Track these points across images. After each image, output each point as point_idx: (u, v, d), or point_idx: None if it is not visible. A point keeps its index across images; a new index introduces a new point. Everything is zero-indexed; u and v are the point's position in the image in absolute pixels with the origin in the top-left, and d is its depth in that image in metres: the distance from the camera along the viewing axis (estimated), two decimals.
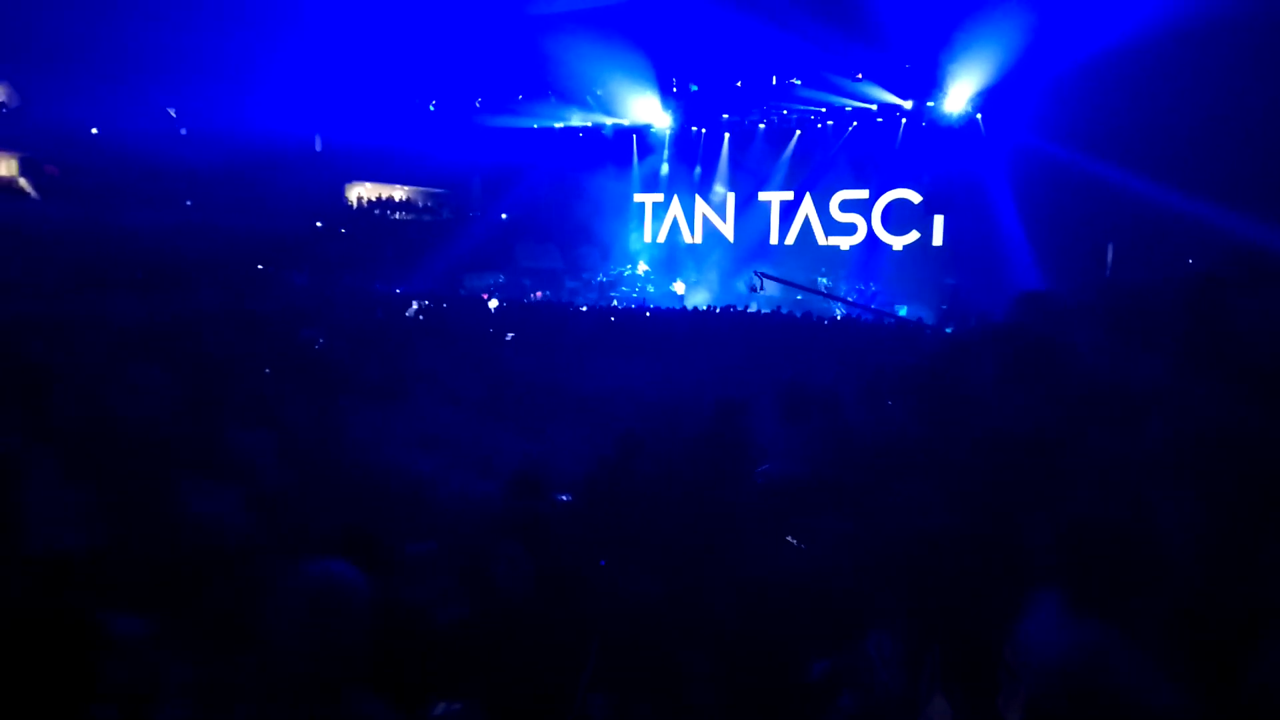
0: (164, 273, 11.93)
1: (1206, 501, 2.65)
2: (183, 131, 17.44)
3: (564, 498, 4.00)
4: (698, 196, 18.45)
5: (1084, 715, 2.21)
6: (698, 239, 18.51)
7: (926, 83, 14.92)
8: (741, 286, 16.47)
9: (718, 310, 13.89)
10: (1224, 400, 3.08)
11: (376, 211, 20.02)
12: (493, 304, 14.75)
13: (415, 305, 13.32)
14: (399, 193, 20.55)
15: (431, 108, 18.68)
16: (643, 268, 18.66)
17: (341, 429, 6.27)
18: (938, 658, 2.31)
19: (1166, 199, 10.61)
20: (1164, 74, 11.19)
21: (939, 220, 15.63)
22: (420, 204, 20.88)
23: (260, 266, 14.55)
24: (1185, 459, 2.85)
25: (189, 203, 15.98)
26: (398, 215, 20.24)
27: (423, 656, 2.53)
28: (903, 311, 14.95)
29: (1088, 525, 2.29)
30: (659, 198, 18.92)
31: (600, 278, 18.54)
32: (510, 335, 11.96)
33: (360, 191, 20.17)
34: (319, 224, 18.07)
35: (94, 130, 16.90)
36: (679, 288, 17.84)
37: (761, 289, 16.00)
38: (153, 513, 3.99)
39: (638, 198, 19.12)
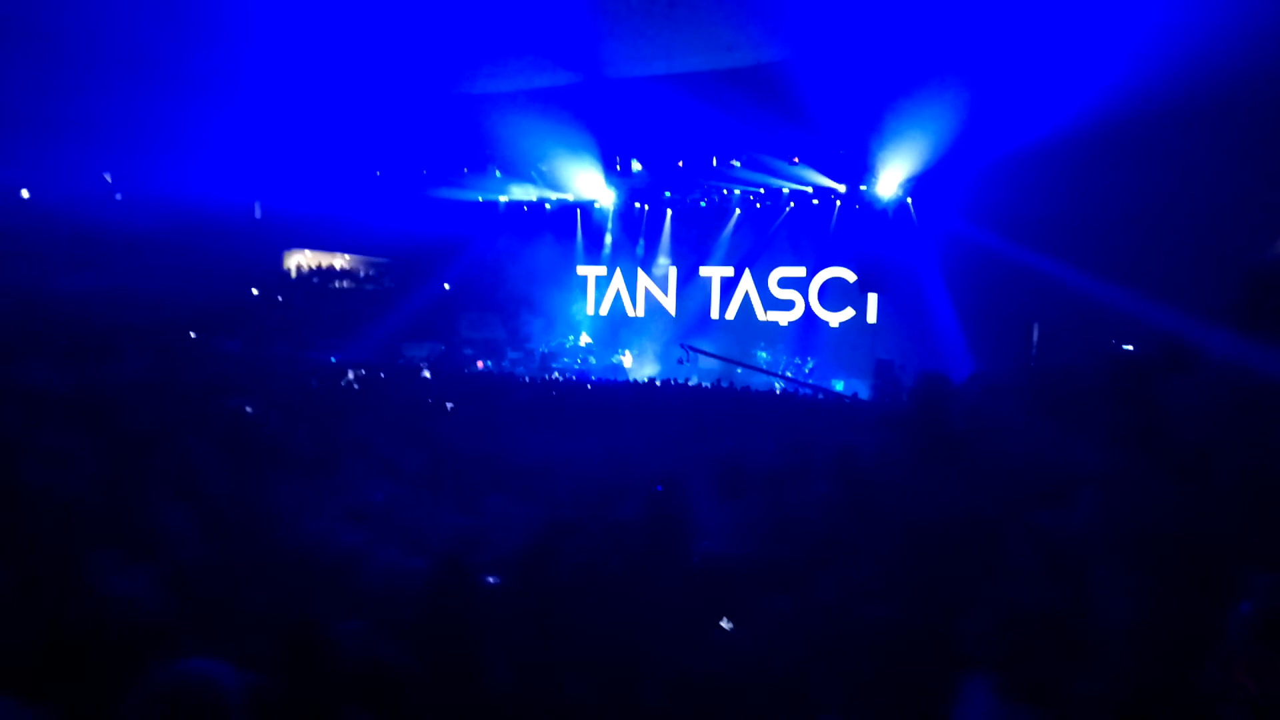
0: (90, 340, 11.57)
1: (1140, 584, 2.69)
2: (118, 196, 17.11)
3: (492, 580, 3.90)
4: (640, 270, 18.68)
5: None
6: (640, 312, 18.68)
7: (860, 168, 15.49)
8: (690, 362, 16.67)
9: (659, 383, 13.94)
10: (1154, 483, 3.16)
11: (316, 279, 19.78)
12: (426, 373, 14.60)
13: (351, 374, 13.10)
14: (339, 261, 20.38)
15: (377, 174, 18.68)
16: (585, 339, 18.71)
17: (269, 502, 6.06)
18: None
19: (1089, 284, 11.07)
20: (1087, 166, 11.80)
21: (873, 298, 16.05)
22: (361, 273, 20.71)
23: (192, 334, 14.20)
24: (1117, 542, 2.90)
25: (121, 268, 15.60)
26: (337, 283, 20.03)
27: None
28: (839, 386, 15.20)
29: (1020, 610, 2.31)
30: (602, 271, 19.11)
31: (542, 349, 18.53)
32: (449, 405, 11.81)
33: (299, 259, 19.95)
34: (255, 291, 17.78)
35: (24, 193, 16.50)
36: (626, 360, 17.91)
37: (688, 361, 16.29)
38: (64, 591, 3.78)
39: (580, 270, 19.29)
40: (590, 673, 2.94)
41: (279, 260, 19.49)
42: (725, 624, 3.56)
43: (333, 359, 14.86)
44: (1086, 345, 9.00)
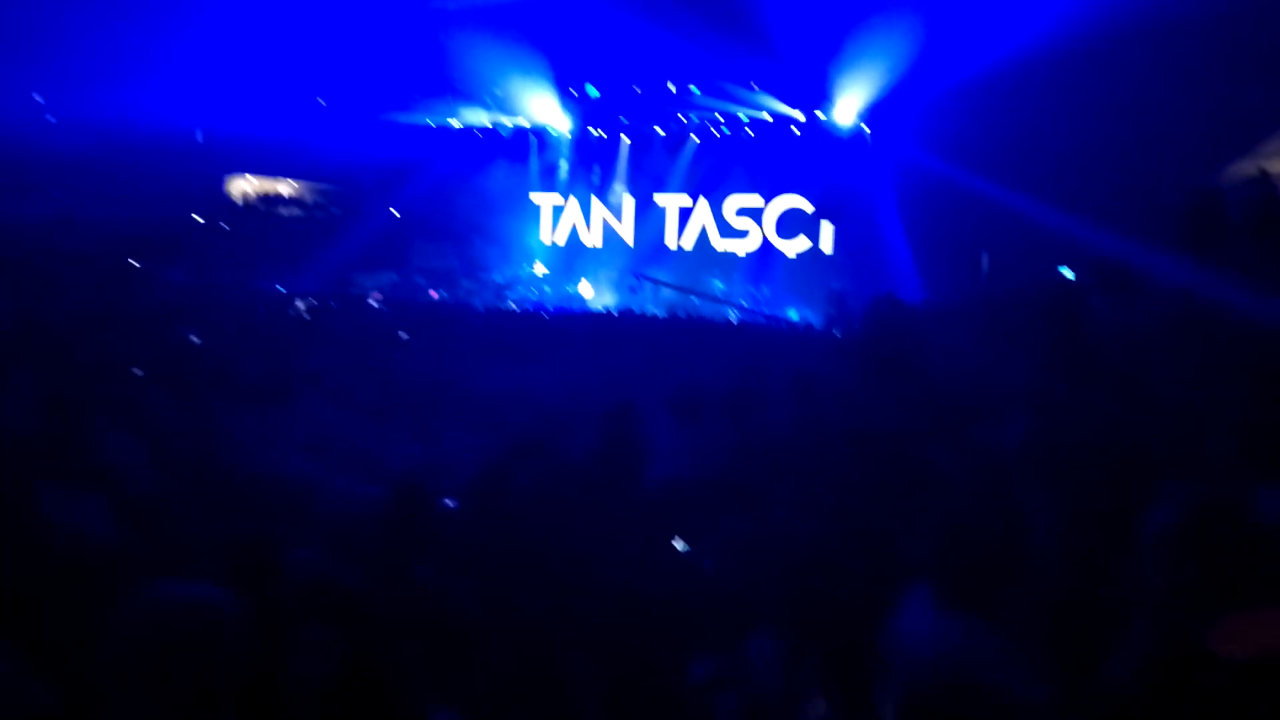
0: (28, 269, 11.20)
1: (1068, 498, 2.83)
2: (51, 119, 16.35)
3: (449, 503, 3.94)
4: (595, 199, 18.45)
5: (952, 706, 2.32)
6: (597, 241, 18.51)
7: (817, 95, 15.34)
8: (643, 291, 16.64)
9: (616, 313, 13.94)
10: (1082, 401, 3.28)
11: (261, 206, 19.23)
12: (373, 301, 14.45)
13: (301, 304, 12.89)
14: (285, 187, 19.80)
15: (321, 102, 18.06)
16: (540, 269, 18.55)
17: (219, 432, 6.02)
18: (817, 657, 2.39)
19: (1038, 212, 11.22)
20: (1038, 95, 11.84)
21: (828, 227, 16.08)
22: (308, 199, 20.16)
23: (134, 262, 13.79)
24: (1047, 457, 3.03)
25: (57, 195, 15.01)
26: (284, 210, 19.50)
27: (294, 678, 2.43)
28: (794, 316, 15.34)
29: (956, 523, 2.42)
30: (558, 199, 18.83)
31: (497, 278, 18.34)
32: (403, 336, 11.71)
33: (243, 185, 19.34)
34: (198, 218, 17.26)
35: None
36: (585, 290, 17.80)
37: (640, 289, 16.29)
38: (10, 523, 3.75)
39: (535, 198, 18.98)
40: (545, 592, 3.01)
41: (222, 186, 18.89)
42: (678, 545, 3.65)
43: (281, 288, 14.58)
44: (1035, 272, 9.16)
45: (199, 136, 17.50)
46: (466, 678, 2.94)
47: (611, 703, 2.62)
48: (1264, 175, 5.36)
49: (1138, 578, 1.72)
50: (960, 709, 2.29)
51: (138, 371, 7.12)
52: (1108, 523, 2.47)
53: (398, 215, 18.94)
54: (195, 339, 8.58)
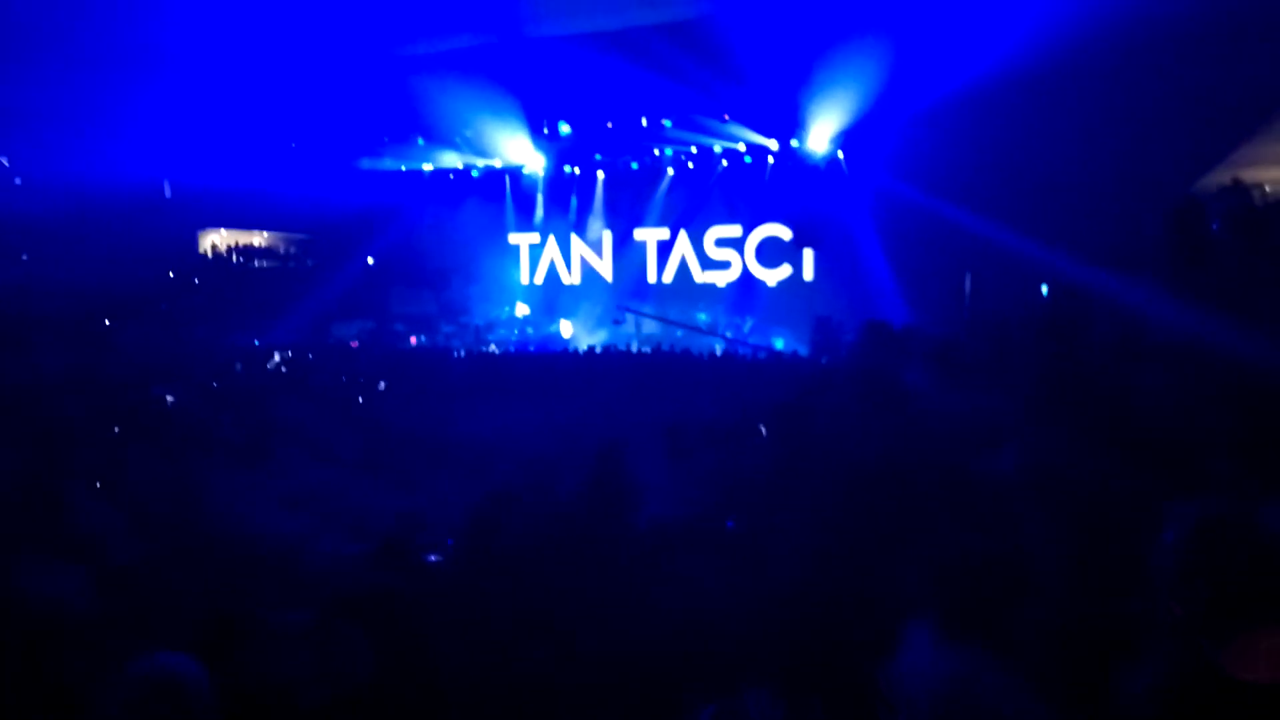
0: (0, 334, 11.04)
1: (1069, 524, 2.78)
2: (17, 181, 16.25)
3: (432, 558, 3.85)
4: (574, 236, 18.44)
5: None
6: (576, 279, 18.47)
7: (790, 123, 15.46)
8: (627, 327, 16.60)
9: (599, 350, 13.89)
10: (1078, 425, 3.24)
11: (234, 260, 19.13)
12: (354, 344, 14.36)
13: (277, 357, 12.77)
14: (258, 239, 19.72)
15: (293, 145, 17.99)
16: (521, 310, 18.49)
17: (199, 494, 5.90)
18: (819, 708, 2.31)
19: (1015, 232, 11.29)
20: (1009, 115, 11.98)
21: (809, 255, 16.13)
22: (282, 250, 20.08)
23: (107, 322, 13.64)
24: (1045, 484, 2.99)
25: (25, 257, 14.86)
26: (257, 263, 19.40)
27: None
28: (779, 344, 15.34)
29: (953, 553, 2.36)
30: (535, 238, 18.81)
31: (478, 321, 18.26)
32: (382, 385, 11.60)
33: (215, 239, 19.23)
34: (171, 275, 17.11)
35: None
36: (565, 329, 17.72)
37: (624, 321, 16.24)
38: None
39: (513, 239, 18.96)
40: (535, 640, 2.92)
41: (194, 241, 18.77)
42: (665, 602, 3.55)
43: (256, 342, 14.45)
44: (1017, 295, 9.19)
45: (167, 191, 17.40)
46: None
47: None
48: (1238, 184, 5.41)
49: (1147, 601, 1.68)
50: None
51: (114, 434, 7.00)
52: (1111, 547, 2.42)
53: (372, 263, 18.86)
54: (170, 398, 8.45)
